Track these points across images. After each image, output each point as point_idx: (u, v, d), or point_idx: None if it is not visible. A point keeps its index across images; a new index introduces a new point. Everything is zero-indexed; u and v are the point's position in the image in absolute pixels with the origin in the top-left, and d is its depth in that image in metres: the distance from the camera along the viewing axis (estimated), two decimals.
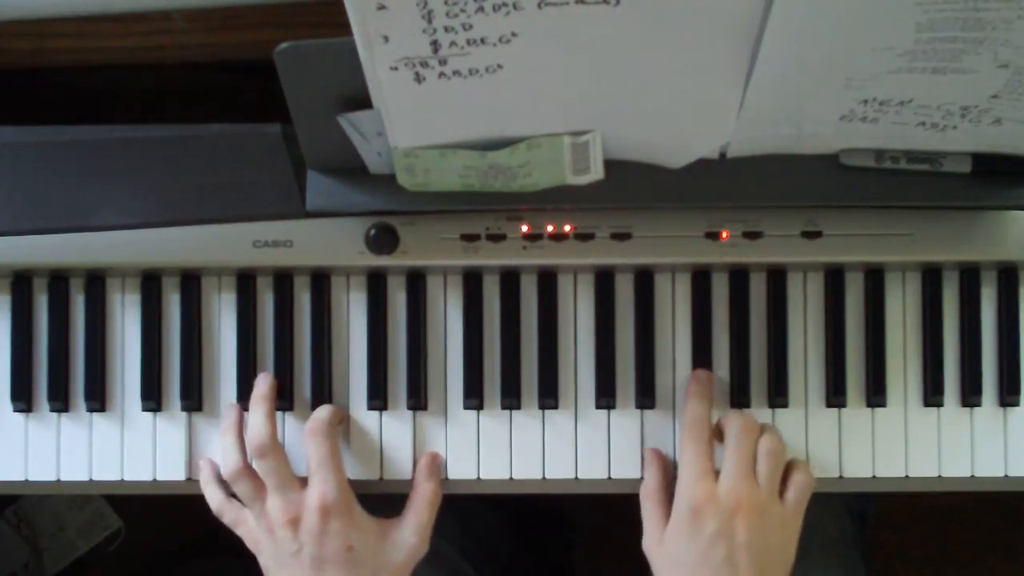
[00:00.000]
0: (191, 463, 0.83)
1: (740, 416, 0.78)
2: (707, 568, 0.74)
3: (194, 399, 0.83)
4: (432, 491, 0.81)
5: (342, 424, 0.82)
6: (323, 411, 0.80)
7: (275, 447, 0.78)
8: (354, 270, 0.83)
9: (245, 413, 0.81)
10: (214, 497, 0.81)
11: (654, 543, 0.78)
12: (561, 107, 0.68)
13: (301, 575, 0.76)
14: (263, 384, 0.81)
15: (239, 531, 0.80)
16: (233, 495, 0.80)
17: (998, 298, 0.83)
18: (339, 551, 0.76)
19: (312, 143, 0.74)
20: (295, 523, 0.76)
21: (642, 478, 0.81)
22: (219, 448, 0.81)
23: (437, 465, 0.82)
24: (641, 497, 0.80)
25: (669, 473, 0.81)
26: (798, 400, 0.83)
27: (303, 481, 0.78)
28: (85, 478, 0.84)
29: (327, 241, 0.79)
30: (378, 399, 0.83)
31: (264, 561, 0.79)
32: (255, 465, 0.79)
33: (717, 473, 0.77)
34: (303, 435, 0.79)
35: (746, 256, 0.80)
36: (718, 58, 0.64)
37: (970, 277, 0.83)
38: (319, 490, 0.77)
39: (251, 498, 0.78)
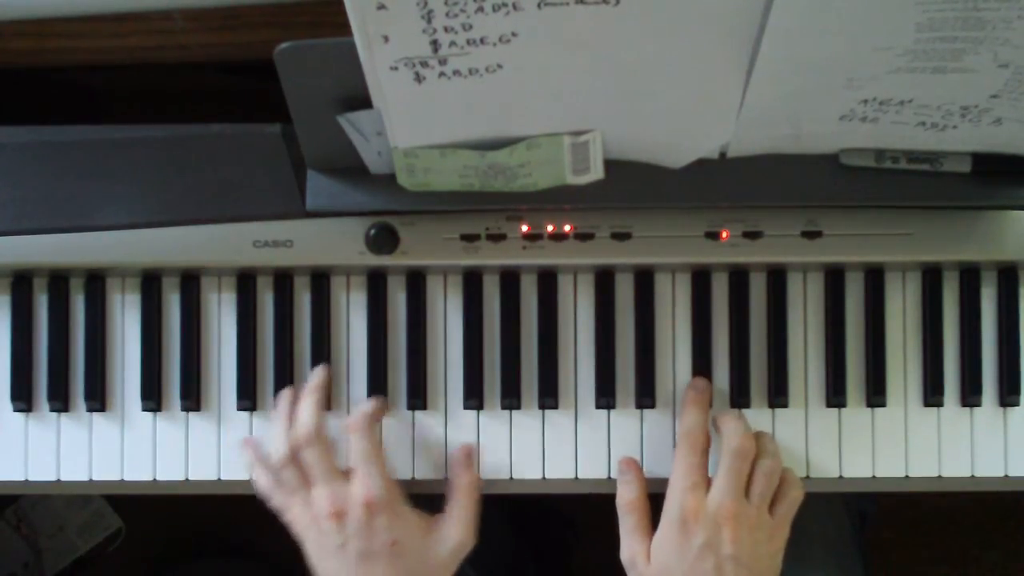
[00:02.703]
0: (191, 463, 0.83)
1: (737, 435, 0.77)
2: None
3: (194, 399, 0.83)
4: (470, 482, 0.80)
5: (385, 416, 0.82)
6: (366, 406, 0.80)
7: (320, 439, 0.77)
8: (354, 270, 0.83)
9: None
10: (263, 479, 0.80)
11: (637, 555, 0.78)
12: (561, 107, 0.68)
13: (346, 568, 0.76)
14: (317, 376, 0.81)
15: (285, 517, 0.79)
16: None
17: (998, 298, 0.83)
18: (385, 546, 0.76)
19: (312, 143, 0.74)
20: (340, 516, 0.76)
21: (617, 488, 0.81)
22: (270, 435, 0.80)
23: (471, 456, 0.82)
24: (619, 508, 0.80)
25: (645, 482, 0.81)
26: (798, 400, 0.83)
27: (347, 474, 0.78)
28: (85, 478, 0.84)
29: (327, 241, 0.79)
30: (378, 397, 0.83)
31: (309, 548, 0.78)
32: (301, 455, 0.78)
33: (709, 481, 0.77)
34: (345, 429, 0.79)
35: (746, 256, 0.80)
36: (718, 58, 0.64)
37: (970, 277, 0.83)
38: (363, 485, 0.76)
39: (297, 487, 0.78)
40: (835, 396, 0.83)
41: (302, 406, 0.79)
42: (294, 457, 0.78)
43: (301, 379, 0.83)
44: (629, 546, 0.78)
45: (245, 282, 0.83)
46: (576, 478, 0.83)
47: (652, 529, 0.78)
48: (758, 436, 0.79)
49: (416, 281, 0.83)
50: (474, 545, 0.80)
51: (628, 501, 0.80)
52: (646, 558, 0.77)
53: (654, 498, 0.80)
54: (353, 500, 0.76)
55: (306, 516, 0.78)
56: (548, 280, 0.83)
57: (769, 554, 0.77)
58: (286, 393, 0.81)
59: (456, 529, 0.79)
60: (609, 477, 0.83)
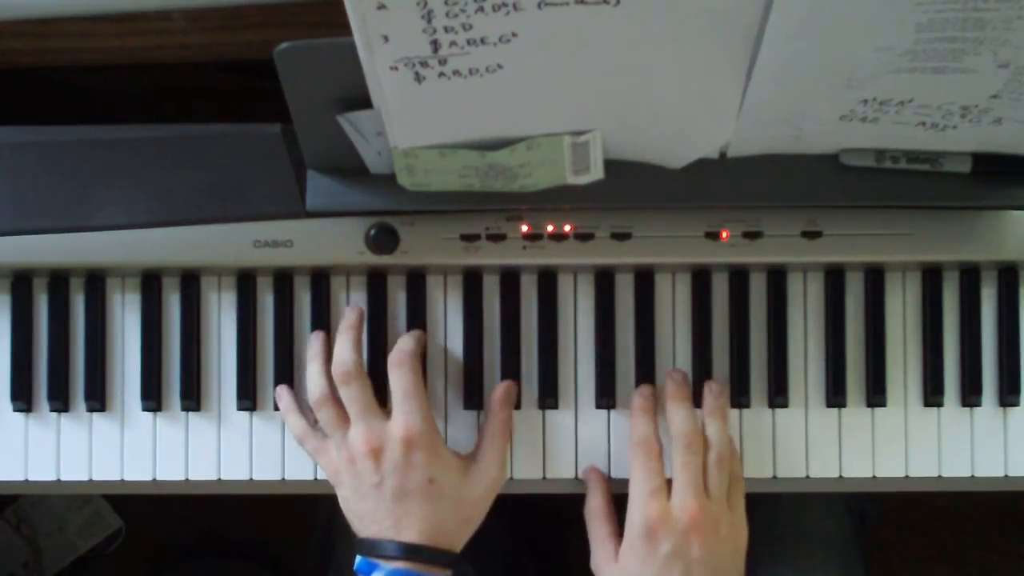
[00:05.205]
0: (191, 463, 0.83)
1: (683, 431, 0.77)
2: None
3: (194, 399, 0.83)
4: (505, 420, 0.80)
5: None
6: (407, 342, 0.79)
7: (360, 374, 0.77)
8: (354, 270, 0.83)
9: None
10: (297, 425, 0.80)
11: (605, 562, 0.78)
12: (561, 107, 0.68)
13: (381, 506, 0.75)
14: (352, 315, 0.80)
15: (320, 461, 0.79)
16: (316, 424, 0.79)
17: (998, 298, 0.83)
18: (421, 483, 0.75)
19: (312, 143, 0.74)
20: (377, 453, 0.75)
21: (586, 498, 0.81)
22: (306, 376, 0.80)
23: (511, 395, 0.81)
24: (586, 518, 0.81)
25: (611, 491, 0.81)
26: (798, 400, 0.83)
27: (387, 413, 0.77)
28: (85, 478, 0.84)
29: (327, 241, 0.79)
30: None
31: (343, 492, 0.77)
32: (340, 392, 0.77)
33: (668, 483, 0.77)
34: (388, 366, 0.78)
35: (746, 256, 0.80)
36: (718, 58, 0.64)
37: (970, 277, 0.83)
38: (403, 421, 0.75)
39: (334, 426, 0.77)
40: (835, 396, 0.83)
41: (340, 343, 0.78)
42: (333, 396, 0.78)
43: (302, 379, 0.83)
44: (594, 552, 0.80)
45: (245, 282, 0.84)
46: (576, 478, 0.83)
47: (618, 533, 0.79)
48: (706, 424, 0.79)
49: (416, 281, 0.83)
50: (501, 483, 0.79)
51: (594, 509, 0.80)
52: (610, 564, 0.78)
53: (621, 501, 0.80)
54: (391, 436, 0.75)
55: (342, 457, 0.77)
56: (548, 280, 0.83)
57: (733, 552, 0.77)
58: (319, 334, 0.81)
59: (491, 466, 0.79)
60: (609, 476, 0.83)
